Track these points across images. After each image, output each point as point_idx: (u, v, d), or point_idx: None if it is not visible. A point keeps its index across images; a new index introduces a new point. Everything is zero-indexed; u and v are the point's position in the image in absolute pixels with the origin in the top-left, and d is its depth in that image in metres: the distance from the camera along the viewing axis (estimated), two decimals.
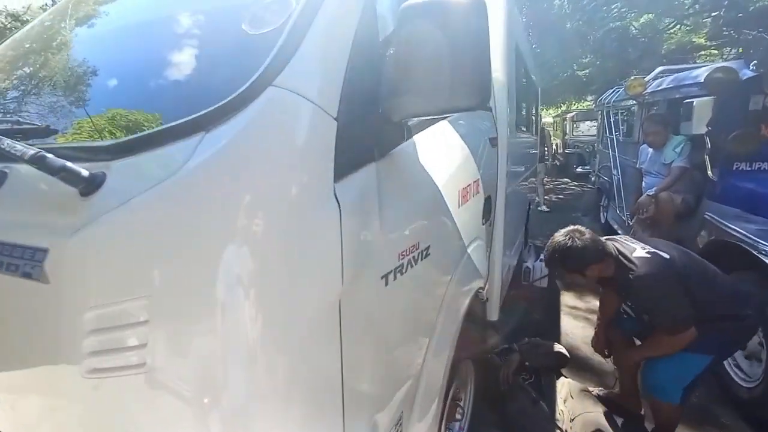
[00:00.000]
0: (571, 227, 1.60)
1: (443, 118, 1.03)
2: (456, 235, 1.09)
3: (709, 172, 2.72)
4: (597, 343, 1.94)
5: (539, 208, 6.50)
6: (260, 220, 0.49)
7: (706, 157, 2.72)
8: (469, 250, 1.27)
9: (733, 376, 2.10)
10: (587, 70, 11.39)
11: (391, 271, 0.71)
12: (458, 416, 1.48)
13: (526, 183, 3.29)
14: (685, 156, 2.95)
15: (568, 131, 11.45)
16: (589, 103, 13.48)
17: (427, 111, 0.70)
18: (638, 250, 1.52)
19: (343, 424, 0.60)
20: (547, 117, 14.29)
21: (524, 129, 2.95)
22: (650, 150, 3.26)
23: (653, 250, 1.52)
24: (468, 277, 1.28)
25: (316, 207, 0.53)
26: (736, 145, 2.43)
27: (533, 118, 3.91)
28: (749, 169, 2.52)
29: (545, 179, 7.05)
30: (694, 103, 2.75)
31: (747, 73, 2.48)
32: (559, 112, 15.20)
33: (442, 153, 1.00)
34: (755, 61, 2.27)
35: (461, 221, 1.13)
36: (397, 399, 0.80)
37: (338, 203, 0.54)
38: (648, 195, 2.94)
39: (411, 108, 0.68)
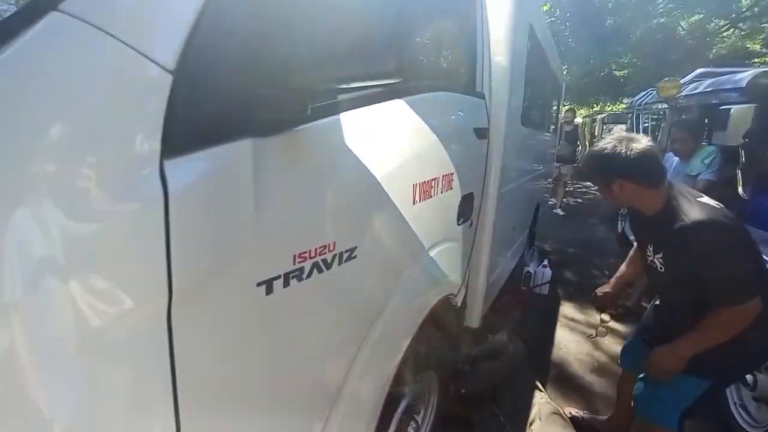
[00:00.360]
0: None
1: (397, 97, 0.87)
2: (407, 236, 0.93)
3: (740, 189, 2.44)
4: (604, 296, 1.63)
5: (554, 211, 6.18)
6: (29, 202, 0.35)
7: (738, 172, 2.43)
8: (432, 253, 1.12)
9: (737, 417, 1.89)
10: (626, 71, 10.72)
11: (279, 276, 0.57)
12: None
13: (535, 183, 3.06)
14: (714, 169, 2.65)
15: (596, 133, 10.89)
16: (624, 105, 12.79)
17: (338, 79, 0.55)
18: (703, 197, 1.19)
19: None
20: (578, 117, 13.67)
21: (537, 124, 2.72)
22: (675, 159, 2.96)
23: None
24: (428, 284, 1.13)
25: (124, 190, 0.39)
26: None
27: (552, 114, 3.64)
28: None
29: (568, 182, 6.65)
30: (732, 111, 2.45)
31: None
32: (591, 112, 14.49)
33: (388, 139, 0.84)
34: None
35: (418, 220, 0.97)
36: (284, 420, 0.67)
37: (165, 187, 0.41)
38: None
39: (314, 74, 0.53)
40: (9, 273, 0.34)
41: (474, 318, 1.95)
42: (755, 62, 8.94)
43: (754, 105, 2.32)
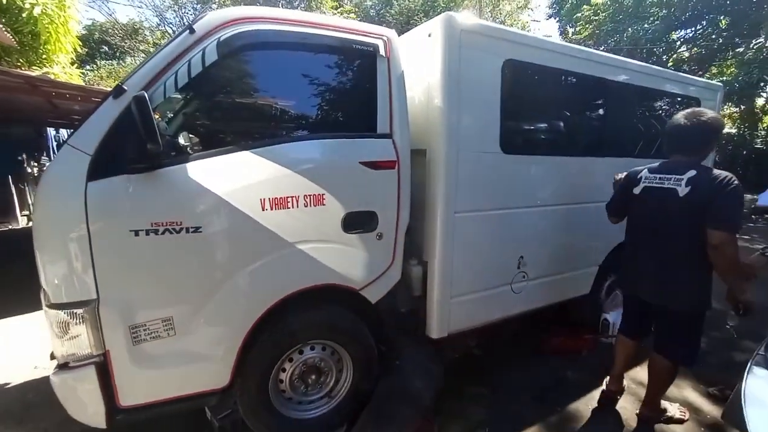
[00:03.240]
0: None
1: (269, 145, 1.57)
2: (253, 228, 1.54)
3: None
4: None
5: None
6: None
7: None
8: (303, 248, 1.67)
9: None
10: None
11: (142, 230, 1.39)
12: (282, 387, 1.82)
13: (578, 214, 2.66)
14: None
15: None
16: None
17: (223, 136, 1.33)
18: None
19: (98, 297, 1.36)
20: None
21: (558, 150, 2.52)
22: None
23: None
24: (292, 265, 1.65)
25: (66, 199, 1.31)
26: None
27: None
28: None
29: None
30: None
31: None
32: None
33: (240, 172, 1.53)
34: None
35: (270, 221, 1.58)
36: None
37: (86, 195, 1.30)
38: (763, 253, 1.91)
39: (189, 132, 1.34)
40: None
41: (432, 329, 2.16)
42: None
43: None
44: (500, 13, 18.05)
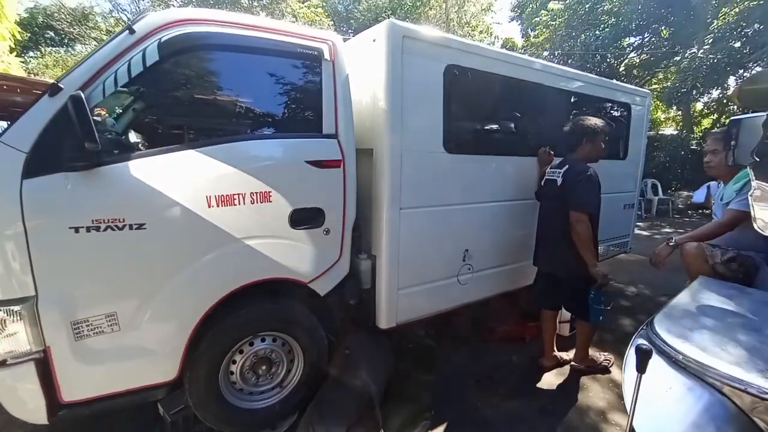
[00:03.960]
0: None
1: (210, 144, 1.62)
2: (199, 224, 1.59)
3: (755, 225, 1.86)
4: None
5: None
6: None
7: (749, 199, 1.85)
8: (251, 243, 1.74)
9: None
10: None
11: (82, 226, 1.41)
12: (233, 379, 1.89)
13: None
14: (746, 197, 2.02)
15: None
16: None
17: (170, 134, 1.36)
18: None
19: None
20: None
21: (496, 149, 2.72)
22: (714, 183, 2.32)
23: None
24: (239, 258, 1.72)
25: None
26: None
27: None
28: None
29: None
30: (743, 122, 1.91)
31: None
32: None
33: (185, 170, 1.57)
34: None
35: (217, 218, 1.64)
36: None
37: (21, 192, 1.31)
38: (668, 243, 2.18)
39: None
40: None
41: (381, 320, 2.29)
42: None
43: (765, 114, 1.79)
44: (465, 14, 18.47)
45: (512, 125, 2.85)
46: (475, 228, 2.58)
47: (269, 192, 1.77)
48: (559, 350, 2.73)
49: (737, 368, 1.13)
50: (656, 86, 12.95)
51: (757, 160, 1.83)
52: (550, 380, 2.54)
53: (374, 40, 2.11)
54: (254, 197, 1.73)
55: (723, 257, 2.04)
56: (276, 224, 1.82)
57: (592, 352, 2.66)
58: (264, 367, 1.95)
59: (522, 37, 17.98)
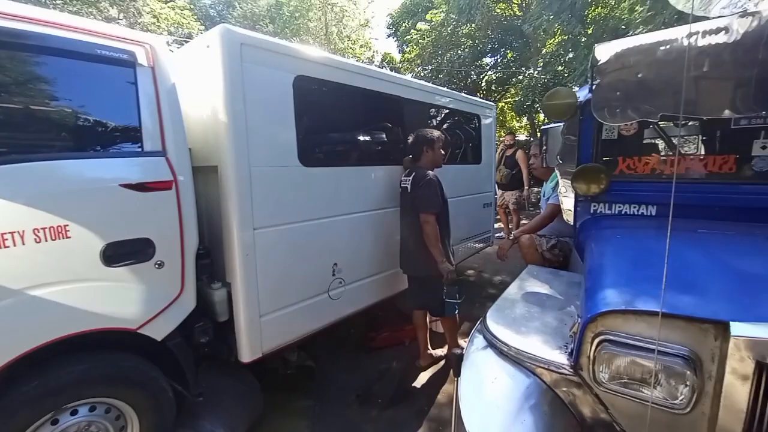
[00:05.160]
0: None
1: None
2: None
3: (564, 215, 2.22)
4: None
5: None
6: None
7: (558, 196, 2.22)
8: (37, 293, 1.35)
9: None
10: None
11: None
12: None
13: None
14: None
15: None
16: None
17: None
18: None
19: None
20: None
21: (355, 160, 2.74)
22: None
23: None
24: (30, 325, 1.36)
25: None
26: (580, 183, 1.97)
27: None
28: (609, 212, 2.00)
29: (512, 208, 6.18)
30: (549, 131, 2.29)
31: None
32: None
33: None
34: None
35: None
36: None
37: None
38: (508, 238, 2.49)
39: None
40: None
41: (243, 353, 2.05)
42: None
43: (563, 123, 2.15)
44: (345, 28, 18.95)
45: (370, 136, 2.91)
46: (342, 240, 2.53)
47: (65, 226, 1.41)
48: (434, 348, 2.86)
49: (543, 348, 1.27)
50: (510, 99, 15.20)
51: (560, 161, 2.17)
52: (428, 379, 2.64)
53: (208, 47, 1.90)
54: (40, 234, 1.36)
55: (548, 245, 2.38)
56: (80, 265, 1.46)
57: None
58: None
59: (399, 53, 19.27)
